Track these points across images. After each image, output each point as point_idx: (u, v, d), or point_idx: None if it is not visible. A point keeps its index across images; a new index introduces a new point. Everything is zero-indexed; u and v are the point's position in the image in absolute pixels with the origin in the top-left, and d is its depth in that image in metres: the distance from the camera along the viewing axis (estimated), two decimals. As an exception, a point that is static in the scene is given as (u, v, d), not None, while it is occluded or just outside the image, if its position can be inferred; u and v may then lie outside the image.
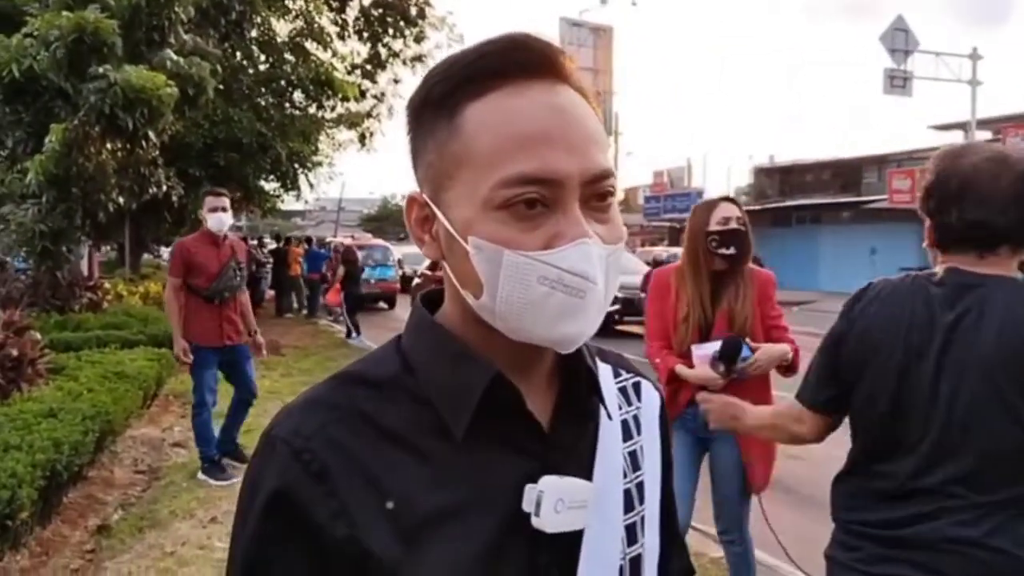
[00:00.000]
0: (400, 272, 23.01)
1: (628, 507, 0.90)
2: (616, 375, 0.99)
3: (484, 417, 0.79)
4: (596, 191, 0.78)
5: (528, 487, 0.79)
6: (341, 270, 14.62)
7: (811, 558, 1.89)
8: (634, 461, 0.94)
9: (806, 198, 32.42)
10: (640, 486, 0.93)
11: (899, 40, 21.83)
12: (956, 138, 26.14)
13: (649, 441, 0.97)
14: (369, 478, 0.77)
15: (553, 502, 0.78)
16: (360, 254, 21.00)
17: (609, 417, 0.90)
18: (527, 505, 0.79)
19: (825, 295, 23.37)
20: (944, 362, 1.63)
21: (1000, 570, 1.58)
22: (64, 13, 8.98)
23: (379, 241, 26.20)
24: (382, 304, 21.39)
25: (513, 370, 0.81)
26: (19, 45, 9.14)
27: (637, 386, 1.00)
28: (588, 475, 0.85)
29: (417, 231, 0.84)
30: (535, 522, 0.78)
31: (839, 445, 2.01)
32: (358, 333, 14.24)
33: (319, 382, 0.87)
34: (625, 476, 0.91)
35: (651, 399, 1.01)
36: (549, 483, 0.79)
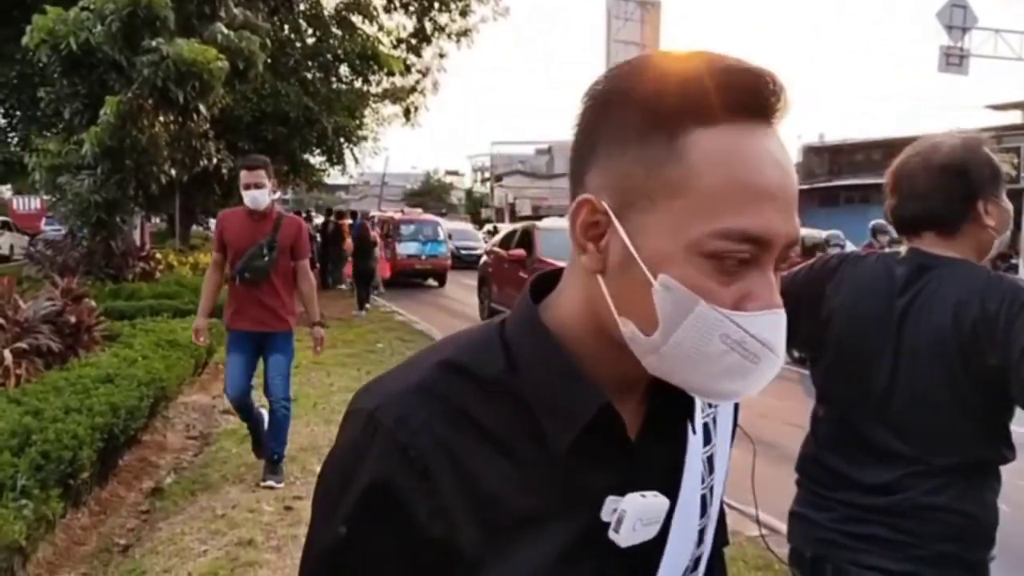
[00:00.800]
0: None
1: (702, 511, 0.90)
2: None
3: (582, 433, 0.79)
4: (784, 255, 0.75)
5: (610, 499, 0.79)
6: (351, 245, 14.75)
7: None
8: (710, 465, 0.93)
9: (856, 178, 31.78)
10: (711, 490, 0.93)
11: (956, 16, 21.10)
12: (1014, 118, 25.41)
13: (721, 443, 0.96)
14: (465, 476, 0.77)
15: (633, 522, 0.79)
16: (410, 229, 20.94)
17: (694, 432, 0.89)
18: (607, 515, 0.79)
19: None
20: (902, 340, 1.75)
21: (967, 531, 1.70)
22: (119, -13, 9.16)
23: (429, 216, 25.13)
24: (432, 281, 20.69)
25: (615, 389, 0.80)
26: (76, 18, 9.36)
27: None
28: (669, 486, 0.86)
29: (580, 236, 0.77)
30: (612, 536, 0.79)
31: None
32: (360, 307, 14.21)
33: (418, 360, 0.86)
34: (703, 482, 0.91)
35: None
36: (632, 504, 0.79)
